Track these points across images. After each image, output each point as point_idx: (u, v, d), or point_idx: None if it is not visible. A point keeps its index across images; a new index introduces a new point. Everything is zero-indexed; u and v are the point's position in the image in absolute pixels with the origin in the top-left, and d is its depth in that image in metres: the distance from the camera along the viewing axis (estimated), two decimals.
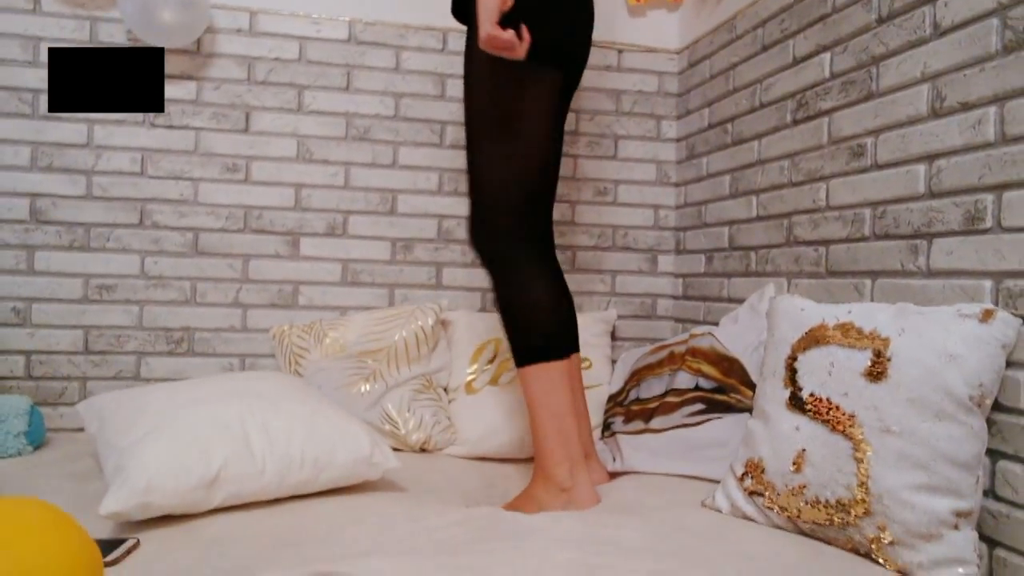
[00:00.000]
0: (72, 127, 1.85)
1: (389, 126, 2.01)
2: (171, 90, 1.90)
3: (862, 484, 1.08)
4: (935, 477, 1.03)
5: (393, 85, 2.00)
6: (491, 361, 1.86)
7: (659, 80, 2.17)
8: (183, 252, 1.91)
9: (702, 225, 2.00)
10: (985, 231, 1.11)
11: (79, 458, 1.56)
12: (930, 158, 1.22)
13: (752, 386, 1.53)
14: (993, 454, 1.08)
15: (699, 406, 1.56)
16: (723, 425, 1.51)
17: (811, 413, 1.18)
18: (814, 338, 1.24)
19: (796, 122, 1.59)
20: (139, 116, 1.88)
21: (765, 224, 1.70)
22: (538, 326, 1.39)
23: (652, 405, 1.64)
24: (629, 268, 2.16)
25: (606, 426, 1.75)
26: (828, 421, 1.14)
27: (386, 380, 1.77)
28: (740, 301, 1.80)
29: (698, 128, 2.03)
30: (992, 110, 1.11)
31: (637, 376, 1.77)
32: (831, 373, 1.17)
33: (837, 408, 1.14)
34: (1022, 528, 1.03)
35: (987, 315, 1.05)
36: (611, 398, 1.82)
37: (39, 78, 1.84)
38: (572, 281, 2.10)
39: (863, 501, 1.08)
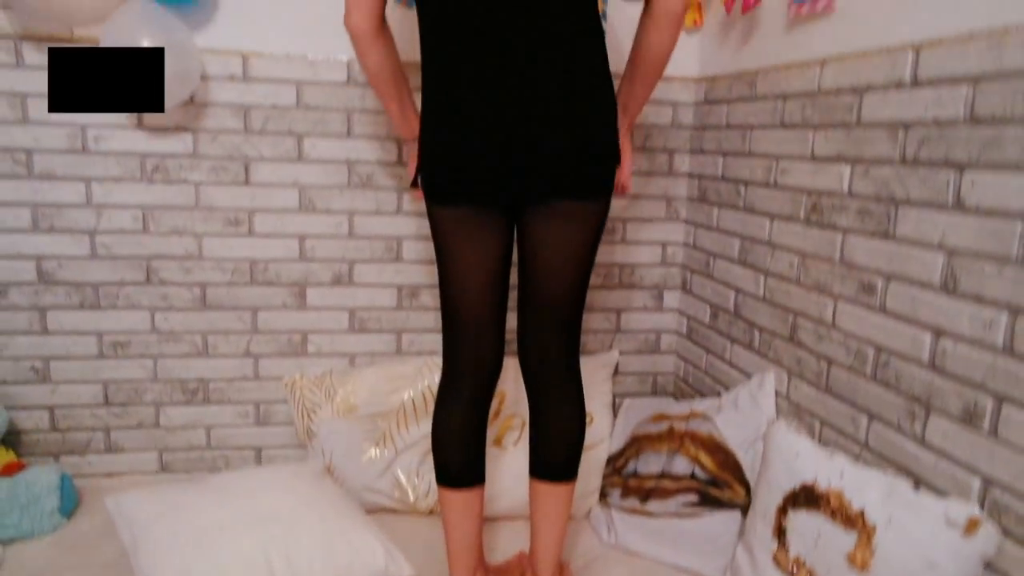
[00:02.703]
0: (69, 185, 1.82)
1: (392, 172, 1.95)
2: (167, 144, 1.84)
3: None
4: None
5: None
6: (496, 416, 1.92)
7: (674, 111, 2.06)
8: (192, 307, 1.93)
9: (709, 276, 1.99)
10: (982, 431, 1.12)
11: (108, 535, 1.66)
12: (937, 332, 1.21)
13: (745, 484, 1.60)
14: None
15: (693, 497, 1.63)
16: (715, 521, 1.59)
17: None
18: (806, 497, 1.28)
19: (809, 223, 1.54)
20: (136, 173, 1.84)
21: (771, 309, 1.69)
22: (440, 453, 1.45)
23: (649, 485, 1.72)
24: (635, 306, 2.17)
25: (603, 493, 1.84)
26: None
27: (395, 443, 1.84)
28: (741, 371, 1.82)
29: (711, 174, 1.96)
30: (1004, 317, 1.08)
31: (637, 445, 1.83)
32: (817, 544, 1.23)
33: None
34: None
35: (972, 526, 1.08)
36: (610, 461, 1.89)
37: (31, 137, 1.78)
38: None
39: None
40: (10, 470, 1.78)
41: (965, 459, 1.15)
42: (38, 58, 1.75)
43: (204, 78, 1.81)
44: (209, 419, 2.00)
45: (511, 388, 1.91)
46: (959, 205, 1.16)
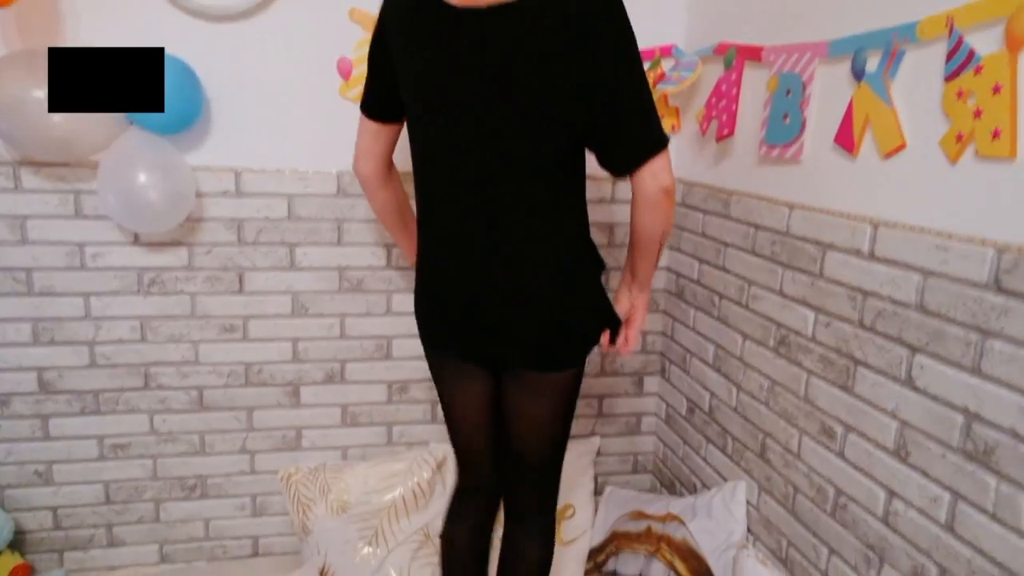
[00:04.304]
0: (68, 300, 1.88)
1: (382, 276, 2.02)
2: (163, 258, 1.90)
3: None
4: None
5: (385, 236, 1.99)
6: None
7: None
8: (189, 409, 2.00)
9: (686, 371, 2.08)
10: None
11: None
12: (890, 492, 1.31)
13: None
14: None
15: None
16: None
17: None
18: None
19: (779, 353, 1.63)
20: (134, 286, 1.90)
21: (743, 422, 1.79)
22: (442, 561, 1.57)
23: None
24: (616, 391, 2.26)
25: None
26: None
27: (387, 541, 1.93)
28: (715, 469, 1.92)
29: (688, 275, 2.05)
30: (947, 497, 1.18)
31: (616, 541, 1.93)
32: None
33: None
34: None
35: None
36: (591, 555, 1.99)
37: (31, 256, 1.84)
38: None
39: None
40: (19, 574, 1.86)
41: None
42: (36, 182, 1.80)
43: (199, 195, 1.87)
44: (207, 512, 2.08)
45: None
46: (910, 383, 1.25)
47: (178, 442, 2.02)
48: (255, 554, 2.13)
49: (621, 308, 1.46)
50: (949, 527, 1.18)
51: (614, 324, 1.44)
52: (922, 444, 1.23)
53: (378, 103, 1.39)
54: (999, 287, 1.08)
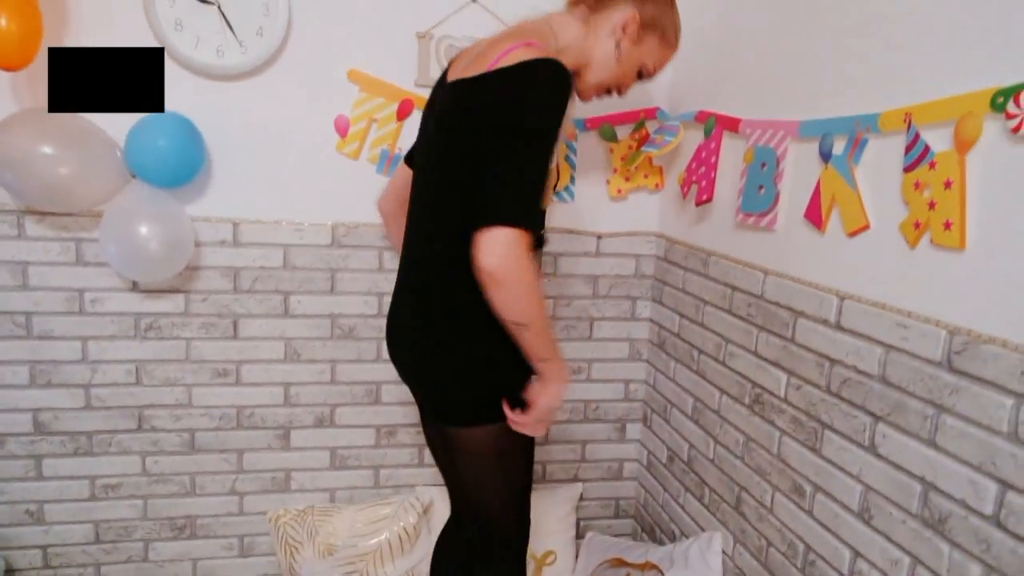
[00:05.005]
0: (66, 344, 1.93)
1: (373, 324, 2.08)
2: (160, 304, 1.95)
3: None
4: None
5: (376, 285, 2.06)
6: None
7: (636, 262, 2.22)
8: (181, 451, 2.04)
9: (666, 420, 2.15)
10: None
11: None
12: (856, 552, 1.37)
13: None
14: None
15: None
16: None
17: None
18: None
19: (753, 411, 1.71)
20: (131, 331, 1.95)
21: (719, 475, 1.85)
22: None
23: None
24: (598, 437, 2.32)
25: None
26: None
27: None
28: (693, 519, 1.98)
29: (669, 328, 2.13)
30: (907, 562, 1.25)
31: None
32: None
33: None
34: None
35: None
36: None
37: (31, 301, 1.89)
38: (543, 452, 2.27)
39: None
40: None
41: None
42: (39, 230, 1.86)
43: (197, 244, 1.93)
44: (196, 552, 2.11)
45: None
46: (873, 449, 1.33)
47: (169, 483, 2.06)
48: None
49: (532, 389, 1.36)
50: None
51: (502, 394, 1.35)
52: (884, 508, 1.30)
53: (410, 153, 1.63)
54: (951, 367, 1.16)
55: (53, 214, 1.86)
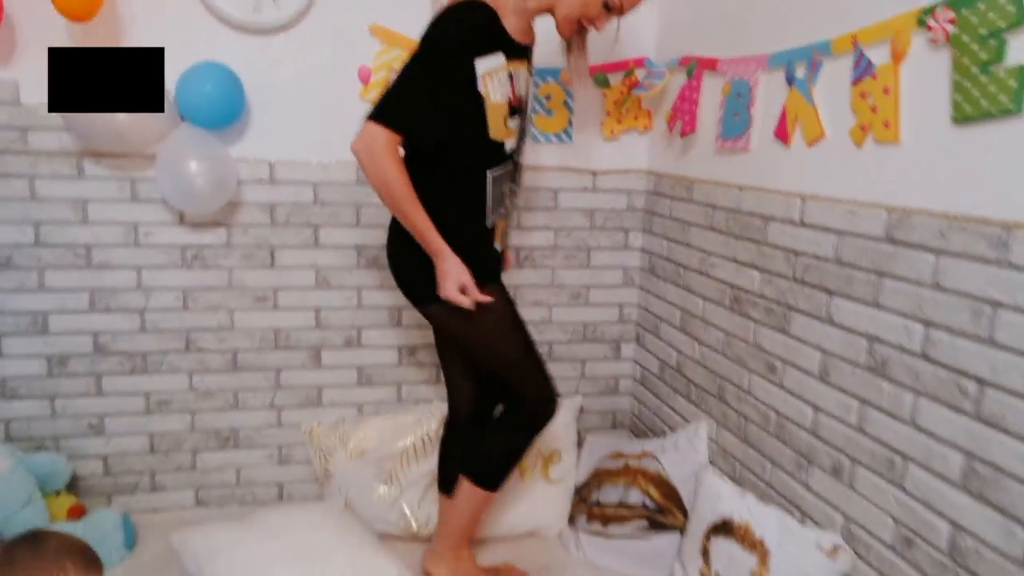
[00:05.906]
0: (122, 273, 2.16)
1: None
2: (205, 236, 2.19)
3: None
4: None
5: None
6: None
7: (628, 197, 2.48)
8: (225, 369, 2.29)
9: (657, 336, 2.42)
10: (844, 482, 1.57)
11: (168, 564, 2.01)
12: (816, 408, 1.65)
13: (684, 510, 2.03)
14: None
15: (645, 523, 2.06)
16: (661, 542, 2.03)
17: None
18: (724, 528, 1.72)
19: (732, 309, 1.98)
20: (179, 261, 2.18)
21: (704, 371, 2.13)
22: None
23: (609, 512, 2.14)
24: (596, 356, 2.59)
25: (571, 518, 2.26)
26: None
27: (400, 482, 2.23)
28: (682, 415, 2.26)
29: (659, 253, 2.39)
30: (855, 404, 1.53)
31: (598, 478, 2.25)
32: (730, 563, 1.67)
33: None
34: None
35: (834, 552, 1.53)
36: (577, 491, 2.31)
37: (91, 235, 2.11)
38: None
39: None
40: (75, 513, 2.12)
41: (833, 502, 1.60)
42: (97, 170, 2.08)
43: (238, 182, 2.16)
44: (239, 461, 2.36)
45: None
46: (830, 320, 1.60)
47: (214, 399, 2.30)
48: (281, 499, 2.41)
49: None
50: (859, 429, 1.52)
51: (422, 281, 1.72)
52: (839, 367, 1.58)
53: None
54: (890, 238, 1.43)
55: (110, 155, 2.08)
